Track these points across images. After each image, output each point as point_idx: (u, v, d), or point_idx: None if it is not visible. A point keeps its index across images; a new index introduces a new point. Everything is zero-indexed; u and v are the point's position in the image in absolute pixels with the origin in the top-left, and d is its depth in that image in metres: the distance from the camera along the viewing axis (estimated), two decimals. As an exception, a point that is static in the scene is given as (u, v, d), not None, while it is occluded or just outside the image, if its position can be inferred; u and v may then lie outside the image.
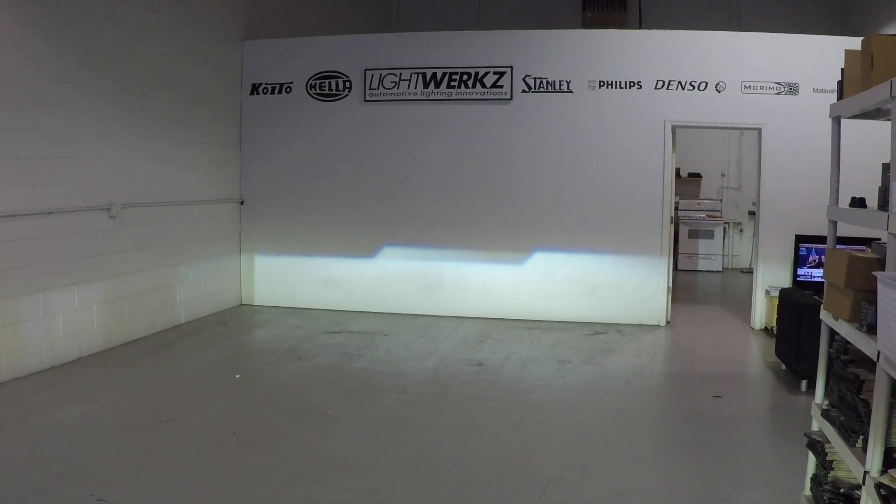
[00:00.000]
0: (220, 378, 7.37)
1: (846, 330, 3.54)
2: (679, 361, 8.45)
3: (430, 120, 10.41)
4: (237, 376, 7.35)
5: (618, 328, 9.79)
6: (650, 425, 6.27)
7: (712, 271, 15.49)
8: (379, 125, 10.54)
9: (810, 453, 4.15)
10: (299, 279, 10.91)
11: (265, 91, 10.84)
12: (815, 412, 4.05)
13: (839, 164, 4.08)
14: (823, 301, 3.97)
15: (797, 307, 7.06)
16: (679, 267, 14.97)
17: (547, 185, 10.17)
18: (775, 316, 8.70)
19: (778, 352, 7.75)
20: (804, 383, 6.95)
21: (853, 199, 3.88)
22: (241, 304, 10.98)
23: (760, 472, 5.11)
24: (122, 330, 8.44)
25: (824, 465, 3.90)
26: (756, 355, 8.58)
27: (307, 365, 7.86)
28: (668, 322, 10.09)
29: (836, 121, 4.10)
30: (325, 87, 10.63)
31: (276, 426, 5.98)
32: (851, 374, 3.54)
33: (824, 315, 3.95)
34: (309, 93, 10.70)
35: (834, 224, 4.06)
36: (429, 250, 10.53)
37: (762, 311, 9.74)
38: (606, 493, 4.75)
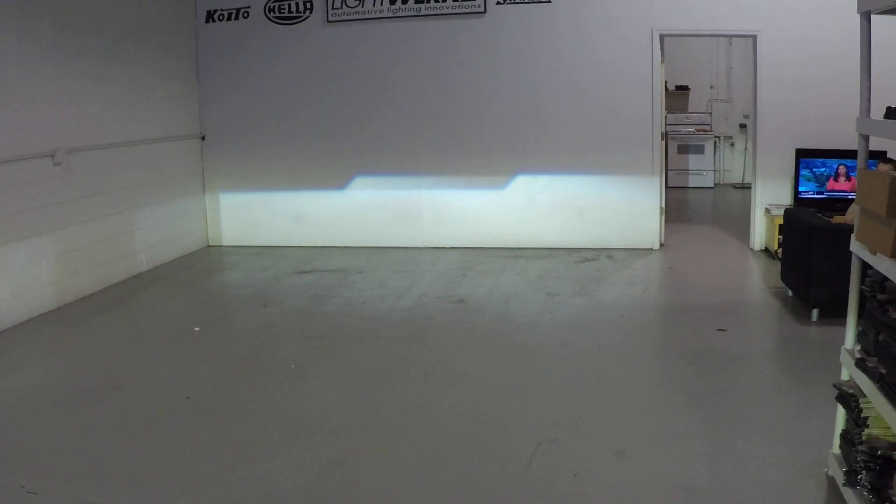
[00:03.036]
0: (179, 332, 6.75)
1: (888, 267, 2.94)
2: (676, 289, 7.90)
3: (400, 39, 9.65)
4: (196, 329, 6.75)
5: (608, 254, 9.22)
6: (649, 368, 5.69)
7: (704, 187, 14.95)
8: (345, 48, 9.77)
9: (839, 406, 3.59)
10: (267, 216, 10.27)
11: (221, 18, 10.04)
12: (846, 360, 3.47)
13: (870, 67, 3.41)
14: (855, 230, 3.36)
15: (806, 228, 6.44)
16: (669, 184, 14.30)
17: (527, 104, 9.49)
18: (777, 237, 8.14)
19: (784, 277, 7.16)
20: (815, 312, 6.39)
21: (889, 108, 3.24)
22: (209, 246, 10.36)
23: (778, 423, 4.52)
24: (76, 285, 7.80)
25: (857, 421, 3.34)
26: (759, 280, 8.01)
27: (274, 311, 7.27)
28: (661, 245, 9.53)
29: (866, 17, 3.41)
30: (283, 9, 9.81)
31: (234, 388, 5.40)
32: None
33: (856, 247, 3.35)
34: (268, 16, 9.90)
35: (866, 139, 3.41)
36: (404, 178, 9.90)
37: (762, 230, 9.15)
38: (604, 455, 4.18)
